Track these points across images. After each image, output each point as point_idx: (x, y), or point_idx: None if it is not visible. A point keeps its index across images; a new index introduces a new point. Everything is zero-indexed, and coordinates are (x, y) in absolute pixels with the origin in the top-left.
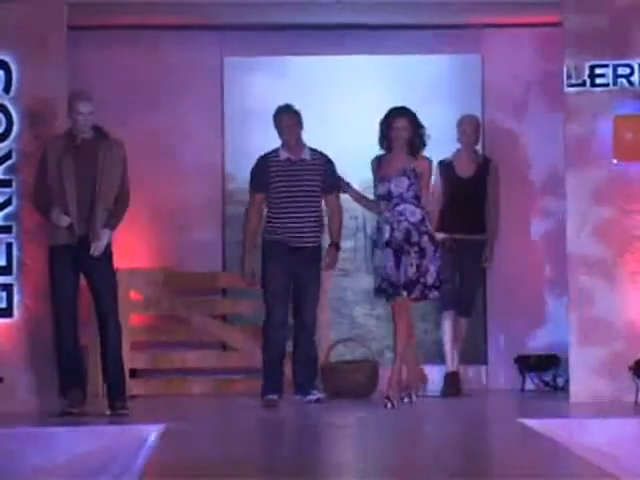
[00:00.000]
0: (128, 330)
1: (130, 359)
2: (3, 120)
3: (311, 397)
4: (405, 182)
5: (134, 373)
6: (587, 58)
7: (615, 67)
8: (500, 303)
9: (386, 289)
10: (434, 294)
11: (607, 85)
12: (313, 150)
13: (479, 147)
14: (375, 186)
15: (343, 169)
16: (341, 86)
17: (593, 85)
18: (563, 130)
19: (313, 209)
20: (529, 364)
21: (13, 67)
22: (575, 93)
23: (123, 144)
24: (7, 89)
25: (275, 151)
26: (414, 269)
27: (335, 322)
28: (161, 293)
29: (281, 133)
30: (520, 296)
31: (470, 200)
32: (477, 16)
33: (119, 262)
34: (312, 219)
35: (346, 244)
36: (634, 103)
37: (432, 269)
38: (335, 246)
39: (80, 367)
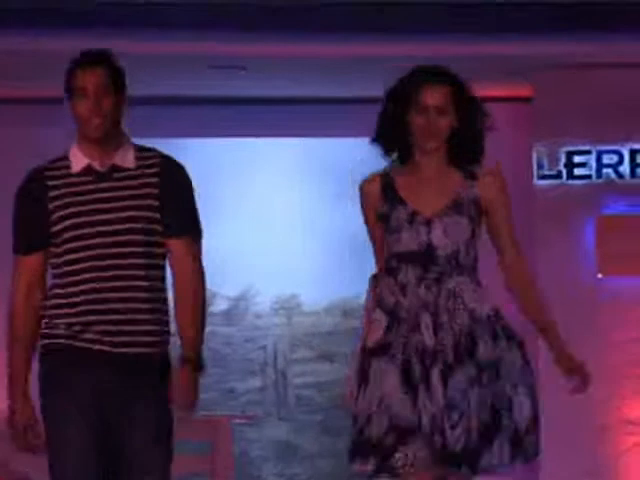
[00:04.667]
0: None
1: None
2: None
3: None
4: (464, 227)
5: None
6: (563, 142)
7: (599, 154)
8: None
9: (393, 447)
10: (531, 452)
11: (589, 177)
12: (144, 149)
13: None
14: (386, 234)
15: (250, 283)
16: (239, 172)
17: (571, 177)
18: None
19: (142, 272)
20: None
21: None
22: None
23: None
24: None
25: (62, 157)
26: (485, 409)
27: None
28: (14, 451)
29: (77, 113)
30: None
31: None
32: None
33: None
34: (141, 291)
35: (252, 382)
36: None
37: (526, 402)
38: (189, 363)
39: None
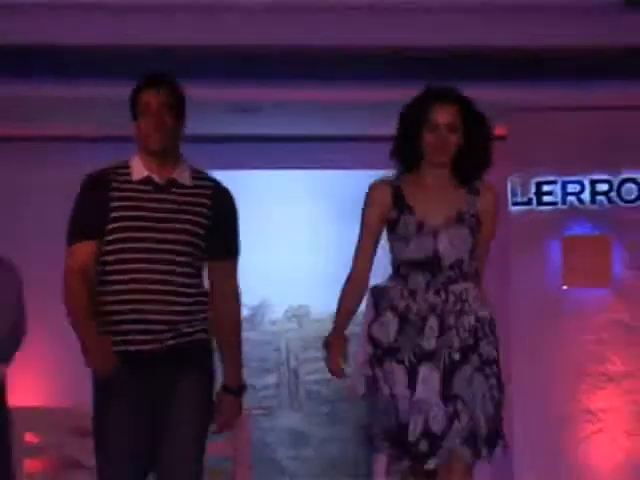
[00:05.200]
0: (23, 477)
1: None
2: None
3: None
4: (467, 238)
5: None
6: (533, 173)
7: (564, 184)
8: None
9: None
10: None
11: (556, 204)
12: (199, 172)
13: None
14: (392, 240)
15: (267, 294)
16: (267, 203)
17: (540, 204)
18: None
19: (188, 280)
20: None
21: None
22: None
23: (15, 267)
24: None
25: (124, 165)
26: (491, 405)
27: (255, 468)
28: (62, 436)
29: (140, 128)
30: None
31: None
32: None
33: (14, 399)
34: (186, 296)
35: (268, 379)
36: (585, 223)
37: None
38: (232, 391)
39: None
